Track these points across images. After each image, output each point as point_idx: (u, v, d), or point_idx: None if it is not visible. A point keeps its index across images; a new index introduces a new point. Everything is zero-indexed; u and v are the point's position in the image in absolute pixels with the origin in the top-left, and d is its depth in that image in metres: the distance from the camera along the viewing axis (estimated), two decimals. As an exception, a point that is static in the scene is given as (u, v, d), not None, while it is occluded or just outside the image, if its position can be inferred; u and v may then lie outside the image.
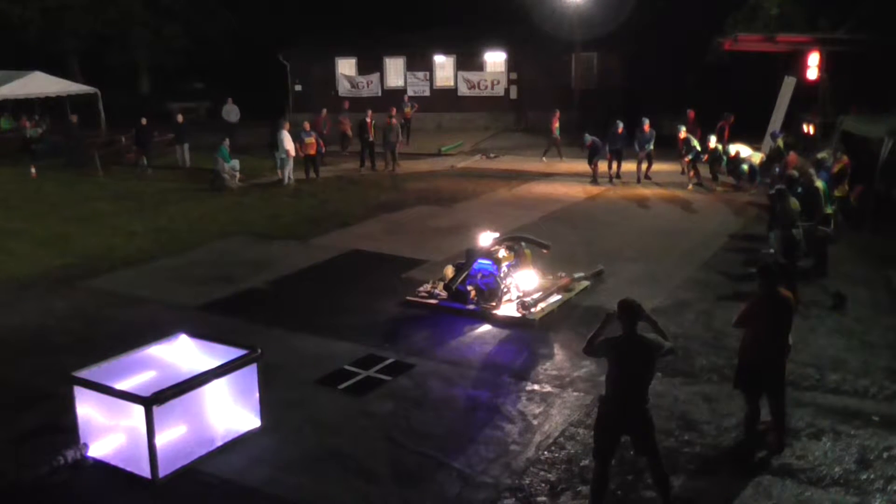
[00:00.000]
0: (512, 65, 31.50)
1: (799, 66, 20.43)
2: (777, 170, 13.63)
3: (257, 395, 7.33)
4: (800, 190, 11.64)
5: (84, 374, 6.87)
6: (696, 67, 25.86)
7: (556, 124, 23.21)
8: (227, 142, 20.53)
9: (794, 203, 10.89)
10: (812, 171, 12.70)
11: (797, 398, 7.69)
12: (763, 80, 22.19)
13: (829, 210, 12.15)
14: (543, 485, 6.48)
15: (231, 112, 26.60)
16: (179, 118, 23.71)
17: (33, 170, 22.59)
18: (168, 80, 40.69)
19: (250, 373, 7.27)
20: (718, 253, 13.34)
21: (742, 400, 7.06)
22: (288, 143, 20.24)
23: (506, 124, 31.14)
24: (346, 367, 8.76)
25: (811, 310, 10.13)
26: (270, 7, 38.52)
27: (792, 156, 15.91)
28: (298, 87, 34.29)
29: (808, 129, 19.55)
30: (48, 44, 35.61)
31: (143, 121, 22.72)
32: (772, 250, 12.25)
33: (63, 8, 34.61)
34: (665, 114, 22.64)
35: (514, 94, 31.47)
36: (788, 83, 20.50)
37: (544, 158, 23.26)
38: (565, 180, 20.55)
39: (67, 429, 6.98)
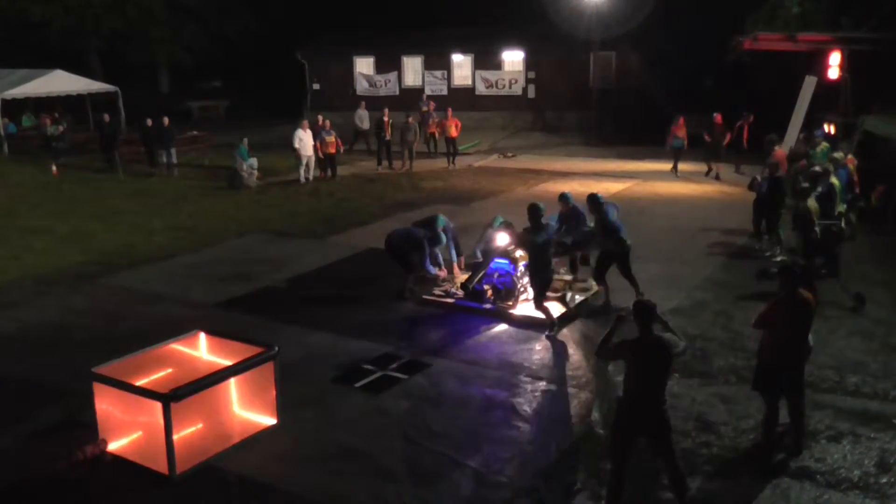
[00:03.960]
0: (530, 64, 31.44)
1: (820, 66, 20.23)
2: (767, 170, 13.53)
3: (274, 392, 7.36)
4: (820, 189, 11.55)
5: (103, 370, 6.94)
6: (715, 67, 25.68)
7: (681, 132, 20.66)
8: (245, 140, 20.62)
9: (814, 203, 10.82)
10: (830, 167, 12.62)
11: (816, 400, 7.63)
12: (783, 79, 21.99)
13: (841, 208, 12.05)
14: (559, 485, 6.46)
15: (364, 118, 25.34)
16: (165, 121, 22.46)
17: (54, 167, 22.81)
18: (187, 78, 40.95)
19: (267, 370, 7.30)
20: (738, 252, 13.25)
21: (760, 402, 7.00)
22: (298, 143, 20.31)
23: (523, 123, 31.08)
24: (363, 366, 8.78)
25: (830, 311, 10.04)
26: (289, 6, 38.67)
27: (780, 152, 15.75)
28: (316, 86, 34.42)
29: (829, 129, 19.36)
30: (69, 42, 35.94)
31: (149, 121, 22.78)
32: (778, 256, 12.20)
33: (84, 7, 34.92)
34: (684, 113, 22.49)
35: (531, 94, 31.41)
36: (809, 82, 20.32)
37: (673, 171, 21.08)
38: (583, 179, 20.47)
39: (87, 424, 7.06)
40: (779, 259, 11.94)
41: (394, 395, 8.15)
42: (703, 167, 20.52)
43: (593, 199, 10.58)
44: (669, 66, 27.69)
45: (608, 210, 10.51)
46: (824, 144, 16.13)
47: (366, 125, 24.69)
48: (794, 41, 20.34)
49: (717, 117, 20.12)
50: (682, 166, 20.56)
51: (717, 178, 19.86)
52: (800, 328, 6.67)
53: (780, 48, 21.19)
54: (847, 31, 20.51)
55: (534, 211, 9.58)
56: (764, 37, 20.83)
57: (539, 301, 9.68)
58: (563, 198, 11.14)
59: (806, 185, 11.48)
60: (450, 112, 23.19)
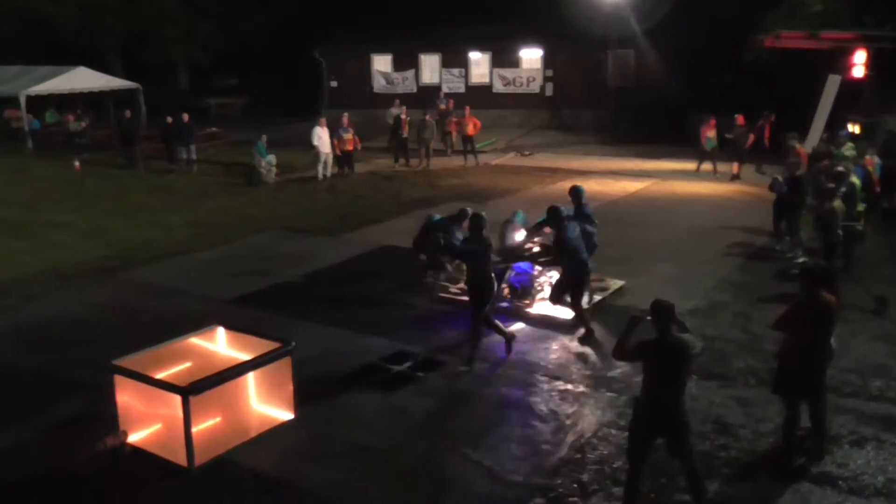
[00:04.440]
0: (547, 62, 31.35)
1: (843, 64, 20.03)
2: (786, 172, 13.40)
3: (291, 387, 7.39)
4: (844, 189, 11.45)
5: (123, 363, 6.99)
6: (735, 65, 25.48)
7: (711, 133, 20.05)
8: (264, 137, 20.70)
9: (841, 204, 10.72)
10: (850, 166, 12.51)
11: (839, 404, 7.54)
12: (805, 78, 21.79)
13: (860, 208, 11.94)
14: (575, 485, 6.44)
15: (390, 115, 25.11)
16: (185, 118, 22.67)
17: (76, 163, 22.98)
18: (204, 76, 41.17)
19: (284, 365, 7.34)
20: (757, 253, 13.15)
21: (779, 405, 6.94)
22: (316, 140, 20.37)
23: (540, 121, 30.99)
24: (378, 363, 8.79)
25: (853, 314, 9.92)
26: (306, 4, 38.75)
27: (800, 150, 15.58)
28: (334, 84, 34.49)
29: (854, 128, 19.16)
30: (87, 41, 36.21)
31: (169, 119, 22.90)
32: (799, 258, 12.09)
33: (100, 6, 35.16)
34: (704, 112, 22.33)
35: (549, 92, 31.32)
36: (833, 81, 20.11)
37: (697, 167, 20.63)
38: (601, 178, 20.39)
39: (107, 417, 7.12)
40: (800, 260, 11.84)
41: (409, 392, 8.16)
42: (725, 168, 20.22)
43: (554, 211, 9.64)
44: (688, 64, 27.50)
45: (568, 226, 9.48)
46: (849, 144, 15.97)
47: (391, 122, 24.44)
48: (817, 39, 20.15)
49: (739, 118, 19.91)
50: (705, 166, 20.33)
51: (738, 178, 19.67)
52: (822, 331, 6.60)
53: (802, 46, 21.00)
54: (871, 29, 20.29)
55: (555, 212, 9.55)
56: (786, 35, 20.66)
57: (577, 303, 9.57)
58: (576, 193, 10.54)
59: (831, 185, 11.36)
60: (467, 110, 23.15)
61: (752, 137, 19.72)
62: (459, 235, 10.76)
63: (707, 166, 20.24)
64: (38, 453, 7.01)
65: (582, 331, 9.45)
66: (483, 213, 9.01)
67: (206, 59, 39.14)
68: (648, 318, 5.86)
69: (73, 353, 9.11)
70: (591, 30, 27.74)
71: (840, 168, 12.69)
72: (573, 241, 9.41)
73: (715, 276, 11.89)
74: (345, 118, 21.60)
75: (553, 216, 9.59)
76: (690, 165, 21.04)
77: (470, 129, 22.76)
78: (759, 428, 7.27)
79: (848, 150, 15.54)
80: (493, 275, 8.90)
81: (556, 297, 9.79)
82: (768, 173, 18.61)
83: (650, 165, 22.25)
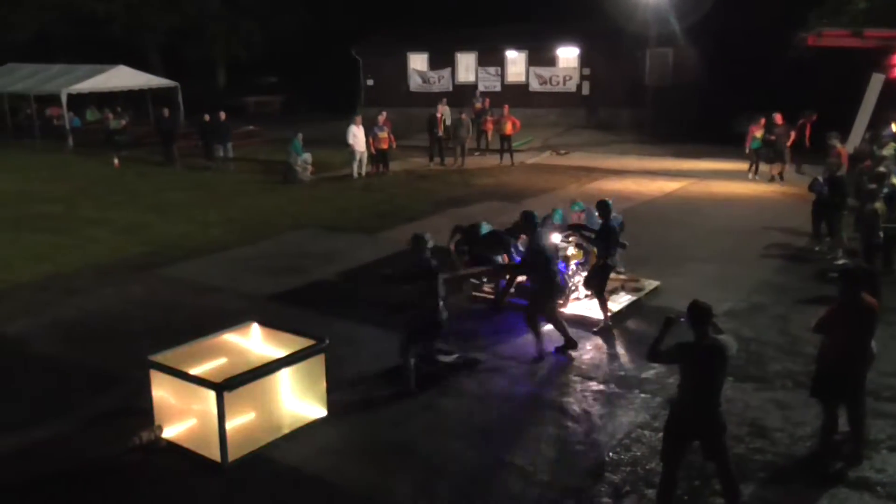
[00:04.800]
0: (584, 60, 31.12)
1: (887, 63, 19.58)
2: (827, 170, 13.10)
3: (324, 384, 7.43)
4: (886, 190, 11.21)
5: (159, 358, 7.09)
6: (776, 64, 25.07)
7: (758, 134, 19.35)
8: (300, 135, 20.86)
9: (882, 206, 10.50)
10: (893, 167, 12.24)
11: (878, 409, 7.38)
12: (848, 77, 21.35)
13: None
14: (607, 486, 6.39)
15: (446, 115, 24.60)
16: (221, 116, 22.90)
17: (116, 160, 23.40)
18: (244, 74, 41.62)
19: (318, 363, 7.38)
20: (796, 255, 12.92)
21: (818, 408, 6.82)
22: (352, 138, 20.47)
23: (576, 120, 30.80)
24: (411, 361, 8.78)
25: (893, 317, 9.70)
26: (345, 2, 38.97)
27: (841, 150, 15.24)
28: (370, 82, 34.63)
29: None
30: (131, 39, 36.83)
31: (207, 116, 23.16)
32: (840, 259, 11.86)
33: (145, 4, 35.74)
34: (744, 112, 21.99)
35: (585, 90, 31.11)
36: (876, 80, 19.68)
37: (753, 177, 19.63)
38: (637, 177, 20.21)
39: (143, 411, 7.22)
40: (839, 262, 11.61)
41: (441, 391, 8.15)
42: (765, 168, 19.85)
43: (527, 217, 8.89)
44: (728, 63, 27.13)
45: (539, 235, 8.79)
46: (892, 144, 15.60)
47: (448, 122, 24.07)
48: (860, 37, 19.72)
49: (778, 117, 19.51)
50: (742, 166, 20.00)
51: (780, 179, 19.29)
52: (862, 334, 6.47)
53: (845, 45, 20.58)
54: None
55: (528, 218, 8.98)
56: (829, 33, 20.25)
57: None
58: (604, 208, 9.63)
59: (872, 186, 11.13)
60: (506, 109, 23.05)
61: (793, 136, 19.30)
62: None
63: (764, 168, 19.52)
64: (75, 445, 7.13)
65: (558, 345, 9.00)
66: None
67: (247, 58, 39.55)
68: (682, 319, 5.78)
69: (110, 348, 9.27)
70: (628, 28, 27.49)
71: (882, 169, 12.42)
72: (543, 253, 8.65)
73: (753, 277, 11.71)
74: (381, 117, 21.66)
75: (525, 220, 8.93)
76: (728, 165, 20.76)
77: (508, 129, 22.67)
78: (797, 432, 7.14)
79: (890, 150, 15.19)
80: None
81: (532, 320, 8.91)
82: (808, 173, 18.25)
83: (687, 165, 21.99)
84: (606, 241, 9.48)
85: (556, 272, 8.97)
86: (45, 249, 13.82)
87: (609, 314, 9.71)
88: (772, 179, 19.09)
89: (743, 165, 20.13)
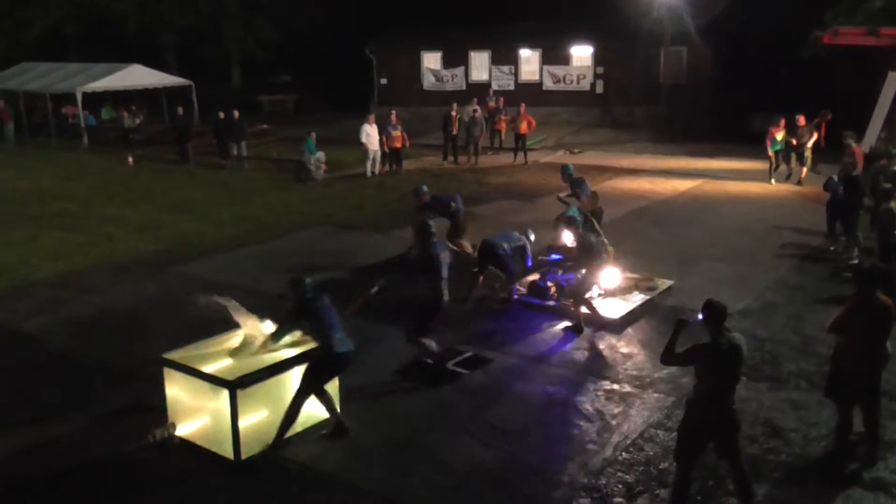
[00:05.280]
0: (598, 59, 31.02)
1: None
2: (843, 170, 12.97)
3: (336, 382, 7.44)
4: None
5: (173, 356, 7.12)
6: (791, 62, 24.89)
7: (779, 134, 18.66)
8: (313, 134, 20.90)
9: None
10: None
11: (893, 409, 7.33)
12: (864, 75, 21.18)
13: None
14: (620, 486, 6.37)
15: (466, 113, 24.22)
16: (235, 114, 22.95)
17: (130, 159, 23.53)
18: (258, 73, 41.74)
19: (331, 361, 7.38)
20: (811, 254, 12.84)
21: (832, 409, 6.78)
22: (365, 137, 20.49)
23: (590, 119, 30.70)
24: (424, 360, 8.79)
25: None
26: (358, 1, 39.04)
27: (856, 149, 15.10)
28: (384, 81, 34.64)
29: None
30: (146, 38, 37.02)
31: (221, 114, 23.23)
32: (855, 259, 11.76)
33: (159, 3, 35.91)
34: (759, 111, 21.88)
35: (599, 89, 31.01)
36: (892, 79, 19.52)
37: (772, 180, 19.01)
38: (651, 176, 20.14)
39: (156, 408, 7.27)
40: (853, 262, 11.53)
41: (455, 389, 8.16)
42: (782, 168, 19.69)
43: (423, 229, 8.53)
44: (743, 61, 26.98)
45: (438, 247, 8.46)
46: None
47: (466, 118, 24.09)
48: (876, 36, 19.56)
49: (801, 119, 19.11)
50: (757, 165, 19.84)
51: (790, 178, 19.17)
52: (877, 334, 6.42)
53: (861, 43, 20.42)
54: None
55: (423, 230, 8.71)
56: (845, 31, 20.08)
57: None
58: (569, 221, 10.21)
59: (888, 185, 11.03)
60: (522, 108, 22.98)
61: (815, 136, 18.91)
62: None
63: (783, 167, 19.18)
64: (88, 442, 7.18)
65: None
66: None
67: (261, 57, 39.67)
68: (693, 319, 5.77)
69: (125, 345, 9.33)
70: (642, 27, 27.39)
71: None
72: (433, 258, 8.38)
73: (767, 276, 11.65)
74: (393, 115, 21.67)
75: (421, 233, 8.56)
76: (743, 164, 20.64)
77: (524, 127, 22.62)
78: (811, 432, 7.10)
79: None
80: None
81: (411, 336, 8.51)
82: (824, 173, 18.12)
83: (702, 164, 21.87)
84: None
85: (443, 286, 8.50)
86: (60, 247, 13.92)
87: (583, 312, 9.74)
88: (796, 182, 18.68)
89: (757, 164, 20.00)
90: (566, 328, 9.69)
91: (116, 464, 6.81)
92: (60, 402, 7.95)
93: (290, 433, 7.05)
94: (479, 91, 28.53)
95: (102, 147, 26.61)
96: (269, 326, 7.36)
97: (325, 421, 7.28)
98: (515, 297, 10.64)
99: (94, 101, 29.60)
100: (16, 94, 29.91)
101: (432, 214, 11.54)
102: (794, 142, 18.62)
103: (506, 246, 10.50)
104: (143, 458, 6.83)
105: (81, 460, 6.89)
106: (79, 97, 27.52)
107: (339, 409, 7.34)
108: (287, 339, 7.16)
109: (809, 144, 18.53)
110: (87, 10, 34.85)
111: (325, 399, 7.11)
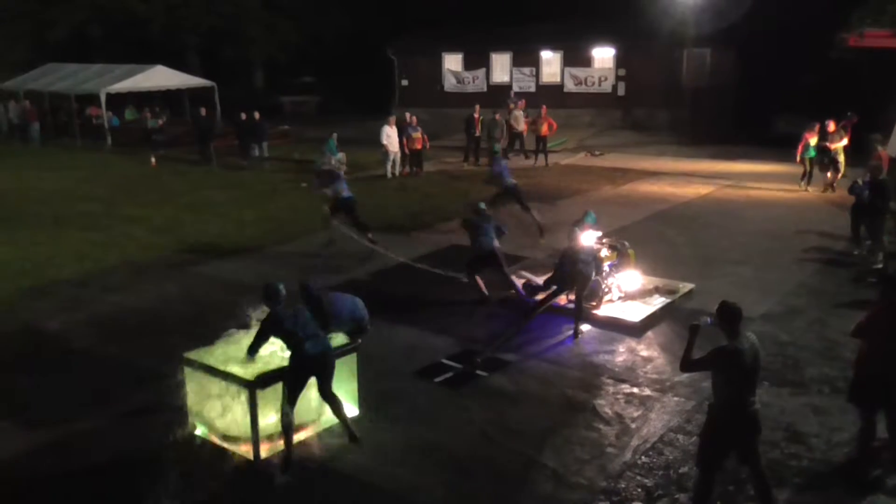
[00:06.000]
0: (620, 61, 30.88)
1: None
2: (869, 173, 12.77)
3: (356, 383, 7.46)
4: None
5: (193, 355, 7.17)
6: (817, 65, 24.66)
7: (813, 140, 17.99)
8: (334, 135, 20.98)
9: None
10: None
11: (918, 416, 7.22)
12: (891, 78, 20.93)
13: None
14: (639, 490, 6.33)
15: (519, 118, 24.07)
16: (256, 116, 23.16)
17: (153, 159, 23.73)
18: (280, 74, 41.97)
19: (350, 362, 7.41)
20: (835, 258, 12.69)
21: (855, 414, 6.68)
22: (385, 138, 20.54)
23: (612, 121, 30.56)
24: (443, 361, 8.81)
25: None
26: (380, 2, 39.13)
27: (882, 153, 14.88)
28: (405, 82, 34.72)
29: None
30: (169, 39, 37.33)
31: (243, 115, 23.36)
32: (879, 263, 11.62)
33: (184, 5, 36.21)
34: (782, 113, 21.68)
35: (621, 91, 30.87)
36: (918, 82, 19.29)
37: (804, 187, 18.42)
38: (673, 179, 20.01)
39: (176, 407, 7.32)
40: (877, 266, 11.38)
41: (473, 391, 8.15)
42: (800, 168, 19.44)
43: (304, 289, 7.64)
44: (767, 64, 26.76)
45: (339, 299, 7.78)
46: None
47: (521, 126, 23.84)
48: (902, 38, 19.35)
49: (831, 124, 18.66)
50: (781, 168, 19.59)
51: (832, 188, 18.72)
52: (902, 339, 6.33)
53: (887, 45, 20.21)
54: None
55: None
56: (871, 33, 19.90)
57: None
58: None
59: None
60: (544, 110, 22.93)
61: (846, 141, 18.42)
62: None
63: (817, 175, 18.72)
64: (109, 441, 7.25)
65: None
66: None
67: (284, 58, 39.87)
68: (703, 324, 5.72)
69: (147, 344, 9.40)
70: (664, 28, 27.24)
71: None
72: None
73: (790, 280, 11.53)
74: (413, 118, 21.70)
75: (303, 293, 7.61)
76: (765, 167, 20.44)
77: (545, 129, 22.57)
78: (833, 437, 7.01)
79: None
80: None
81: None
82: (849, 176, 17.89)
83: (724, 167, 21.72)
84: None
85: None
86: (84, 247, 14.06)
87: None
88: (825, 190, 18.04)
89: (781, 168, 19.83)
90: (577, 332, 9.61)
91: (137, 462, 6.85)
92: (82, 400, 8.03)
93: (309, 434, 7.08)
94: (500, 93, 28.51)
95: (125, 148, 26.87)
96: None
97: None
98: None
99: (118, 101, 29.91)
100: (41, 95, 30.28)
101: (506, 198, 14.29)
102: (830, 146, 18.07)
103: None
104: (165, 457, 6.87)
105: (102, 458, 6.94)
106: (103, 98, 27.82)
107: (358, 412, 7.36)
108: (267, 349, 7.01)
109: (839, 146, 18.01)
110: (110, 12, 35.18)
111: (334, 406, 7.04)
